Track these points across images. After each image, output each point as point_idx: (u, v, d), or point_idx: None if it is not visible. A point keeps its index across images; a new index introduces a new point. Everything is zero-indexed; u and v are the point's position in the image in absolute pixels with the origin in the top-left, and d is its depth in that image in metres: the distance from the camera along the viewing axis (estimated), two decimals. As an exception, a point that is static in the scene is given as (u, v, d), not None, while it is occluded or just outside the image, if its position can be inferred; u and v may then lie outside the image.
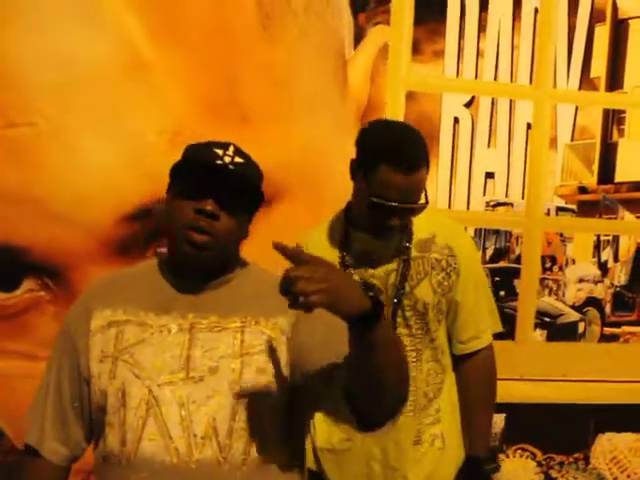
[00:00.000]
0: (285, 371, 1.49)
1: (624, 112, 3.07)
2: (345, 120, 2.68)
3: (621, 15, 3.00)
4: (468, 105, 2.95)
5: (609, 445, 3.00)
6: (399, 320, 1.97)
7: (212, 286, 1.52)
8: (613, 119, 3.07)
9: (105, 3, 2.36)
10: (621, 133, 3.08)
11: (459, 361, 2.08)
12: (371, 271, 1.98)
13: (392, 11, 2.74)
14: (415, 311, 1.98)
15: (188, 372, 1.45)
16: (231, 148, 1.49)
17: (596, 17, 2.96)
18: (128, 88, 2.39)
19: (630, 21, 3.01)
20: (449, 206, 2.93)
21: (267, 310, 1.50)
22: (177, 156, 2.50)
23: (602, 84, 3.02)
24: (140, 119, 2.39)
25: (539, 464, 2.96)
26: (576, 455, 2.98)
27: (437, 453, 2.04)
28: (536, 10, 2.90)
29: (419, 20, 2.79)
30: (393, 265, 1.97)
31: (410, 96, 2.82)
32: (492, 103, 2.96)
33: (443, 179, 2.93)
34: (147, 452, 1.43)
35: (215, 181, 1.45)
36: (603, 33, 2.99)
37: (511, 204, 3.07)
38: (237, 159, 1.48)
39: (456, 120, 2.95)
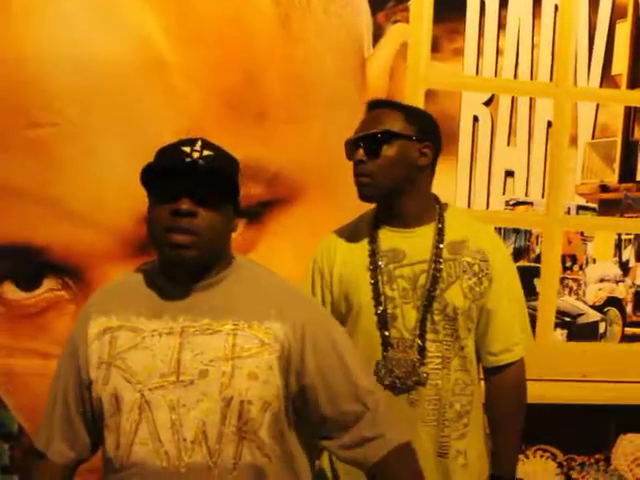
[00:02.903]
0: (277, 378, 1.47)
1: (646, 110, 3.04)
2: (364, 119, 2.67)
3: (643, 11, 2.97)
4: (488, 103, 2.94)
5: (630, 446, 2.97)
6: (427, 324, 1.91)
7: (202, 287, 1.51)
8: (634, 117, 3.04)
9: (124, 4, 2.37)
10: (643, 131, 3.05)
11: (488, 374, 2.00)
12: (399, 271, 1.92)
13: (411, 9, 2.73)
14: (444, 315, 1.91)
15: (178, 376, 1.44)
16: (199, 143, 1.47)
17: (617, 13, 2.93)
18: (147, 88, 2.40)
19: (652, 17, 2.98)
20: (468, 205, 2.91)
21: (261, 314, 1.49)
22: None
23: (623, 81, 2.99)
24: (158, 119, 2.39)
25: (560, 465, 2.94)
26: (597, 456, 2.95)
27: (460, 470, 1.96)
28: (556, 7, 2.88)
29: (438, 18, 2.78)
30: (423, 266, 1.91)
31: (429, 94, 2.80)
32: (512, 101, 2.94)
33: (462, 178, 2.91)
34: (138, 456, 1.43)
35: (187, 179, 1.43)
36: (624, 30, 2.96)
37: (531, 203, 3.04)
38: (206, 152, 1.46)
39: (475, 118, 2.93)
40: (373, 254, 1.94)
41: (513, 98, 2.93)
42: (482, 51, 2.89)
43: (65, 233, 2.41)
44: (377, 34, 2.70)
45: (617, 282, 3.08)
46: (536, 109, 2.94)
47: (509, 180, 2.96)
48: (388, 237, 1.95)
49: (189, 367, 1.45)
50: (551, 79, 2.90)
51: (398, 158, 1.88)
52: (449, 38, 2.85)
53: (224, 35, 2.45)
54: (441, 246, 1.92)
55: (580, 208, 3.04)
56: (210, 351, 1.45)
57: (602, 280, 3.08)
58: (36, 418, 2.60)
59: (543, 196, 2.95)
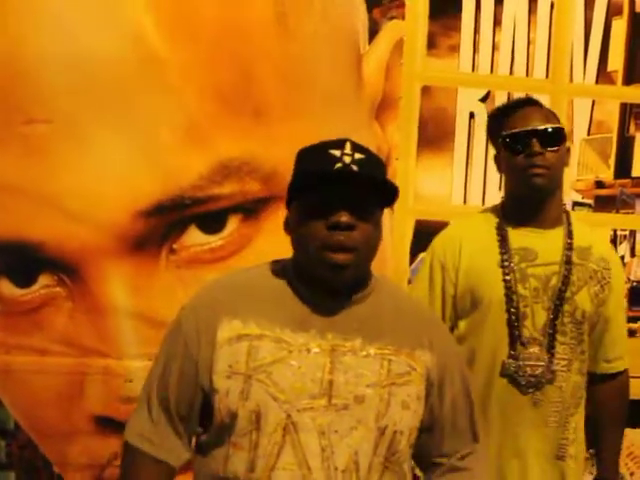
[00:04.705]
0: (421, 409, 1.41)
1: (641, 106, 3.05)
2: (360, 115, 2.67)
3: (639, 8, 2.98)
4: (484, 100, 2.94)
5: (626, 441, 2.96)
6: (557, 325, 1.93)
7: (350, 302, 1.40)
8: (630, 113, 3.05)
9: (118, 0, 2.37)
10: (638, 127, 3.06)
11: (599, 380, 2.02)
12: (531, 270, 1.93)
13: (407, 5, 2.73)
14: (573, 318, 1.93)
15: (330, 399, 1.34)
16: (348, 145, 1.34)
17: (613, 10, 2.94)
18: (142, 85, 2.39)
19: (647, 14, 2.99)
20: (464, 201, 2.92)
21: (413, 340, 1.41)
22: (191, 152, 2.51)
23: (619, 78, 3.00)
24: (154, 115, 2.39)
25: (555, 460, 2.94)
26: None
27: (572, 473, 1.98)
28: (552, 3, 2.89)
29: (434, 14, 2.78)
30: (554, 267, 1.93)
31: (425, 91, 2.81)
32: (508, 97, 2.94)
33: (458, 174, 2.91)
34: None
35: (339, 187, 1.32)
36: (620, 26, 2.97)
37: (527, 199, 3.04)
38: (357, 155, 1.33)
39: (472, 115, 2.94)
40: (505, 251, 1.94)
41: (509, 94, 2.94)
42: (478, 47, 2.89)
43: (60, 229, 2.41)
44: (373, 30, 2.70)
45: (612, 278, 3.09)
46: (532, 105, 2.94)
47: (505, 176, 2.96)
48: (519, 235, 1.95)
49: (343, 390, 1.35)
50: (547, 75, 2.91)
51: (564, 155, 1.93)
52: (445, 34, 2.86)
53: (220, 31, 2.45)
54: (572, 249, 1.95)
55: (576, 204, 3.05)
56: (365, 375, 1.36)
57: (597, 276, 3.10)
58: (32, 414, 2.61)
59: (539, 192, 2.95)
